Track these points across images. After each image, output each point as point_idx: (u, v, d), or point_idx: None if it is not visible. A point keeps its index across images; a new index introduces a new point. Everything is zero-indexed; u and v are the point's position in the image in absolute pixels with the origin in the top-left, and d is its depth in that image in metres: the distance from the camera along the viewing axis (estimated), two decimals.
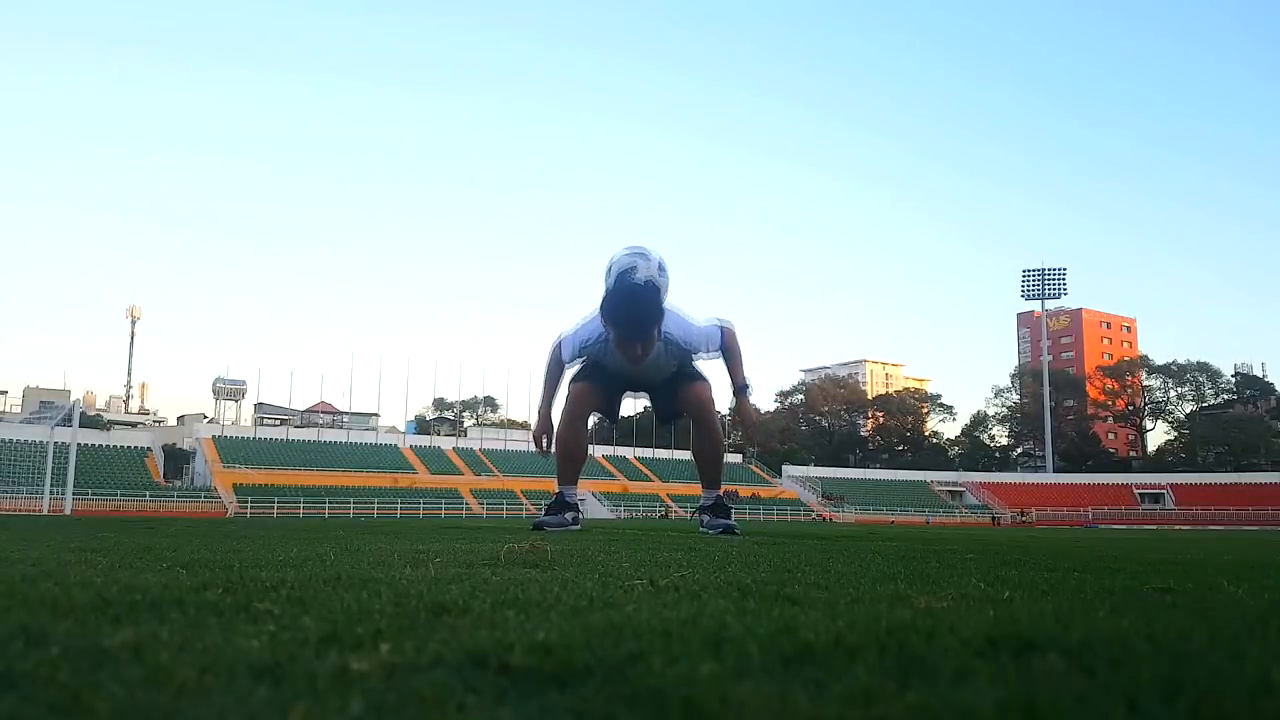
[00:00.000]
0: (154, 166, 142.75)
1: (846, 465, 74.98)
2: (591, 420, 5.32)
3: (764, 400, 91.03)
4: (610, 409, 5.23)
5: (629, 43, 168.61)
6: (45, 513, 24.26)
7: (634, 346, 4.61)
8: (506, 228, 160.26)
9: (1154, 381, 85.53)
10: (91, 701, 0.64)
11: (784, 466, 65.99)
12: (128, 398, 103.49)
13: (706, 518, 5.01)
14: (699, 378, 5.06)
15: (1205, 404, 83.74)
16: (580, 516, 5.17)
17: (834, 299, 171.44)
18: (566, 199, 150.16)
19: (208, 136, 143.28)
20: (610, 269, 4.79)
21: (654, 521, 17.03)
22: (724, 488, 5.31)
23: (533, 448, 5.19)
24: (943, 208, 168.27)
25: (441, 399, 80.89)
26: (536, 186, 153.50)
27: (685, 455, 60.90)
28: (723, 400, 5.50)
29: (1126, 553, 3.70)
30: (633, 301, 4.57)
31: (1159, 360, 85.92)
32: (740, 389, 5.07)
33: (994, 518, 57.23)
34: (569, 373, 5.11)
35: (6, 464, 35.56)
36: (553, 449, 5.04)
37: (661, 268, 4.73)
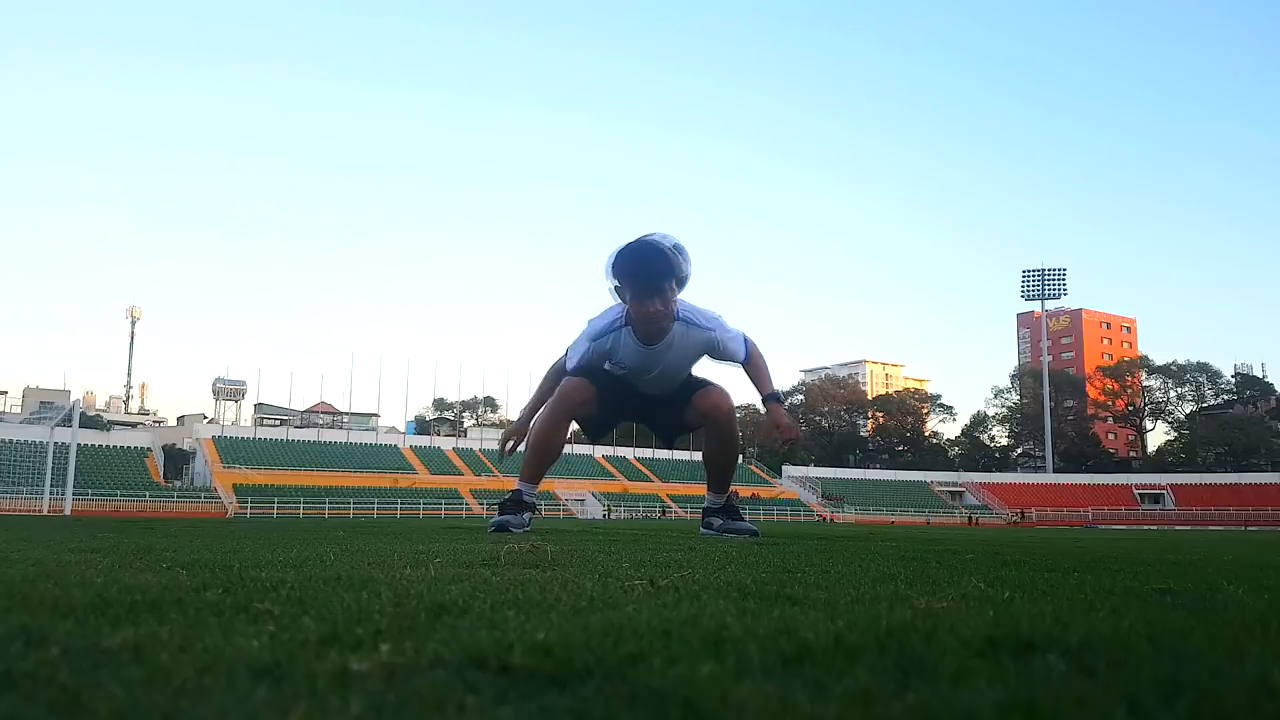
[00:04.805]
0: (154, 166, 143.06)
1: (846, 465, 75.00)
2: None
3: None
4: (601, 423, 4.71)
5: (631, 43, 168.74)
6: (45, 513, 24.26)
7: (651, 300, 4.23)
8: (507, 227, 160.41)
9: (1154, 382, 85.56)
10: (91, 701, 0.64)
11: (784, 467, 66.00)
12: (128, 398, 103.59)
13: (718, 521, 4.70)
14: (716, 385, 4.68)
15: (1205, 404, 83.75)
16: (533, 516, 4.74)
17: (834, 299, 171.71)
18: (567, 198, 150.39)
19: (208, 136, 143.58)
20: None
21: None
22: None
23: (500, 447, 4.71)
24: (943, 208, 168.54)
25: (441, 399, 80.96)
26: (537, 186, 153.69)
27: (685, 455, 61.01)
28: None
29: (1126, 553, 3.70)
30: (644, 244, 4.25)
31: (1159, 360, 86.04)
32: (776, 396, 4.67)
33: (970, 516, 56.90)
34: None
35: (6, 464, 35.57)
36: (518, 449, 4.63)
37: (678, 247, 4.35)
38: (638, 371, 4.52)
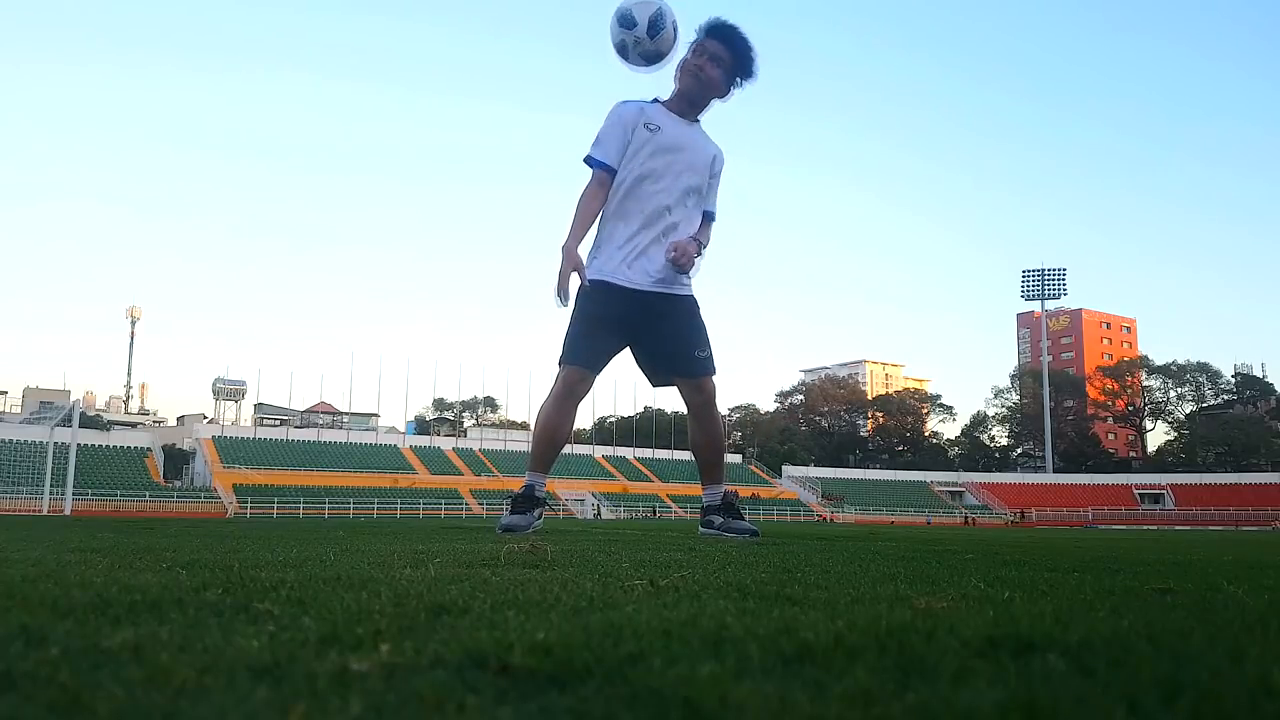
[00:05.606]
0: (155, 166, 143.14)
1: (846, 465, 75.03)
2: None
3: (764, 400, 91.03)
4: (601, 363, 4.47)
5: None
6: (45, 513, 24.26)
7: (715, 68, 4.34)
8: (507, 227, 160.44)
9: (1154, 382, 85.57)
10: (91, 701, 0.64)
11: (784, 467, 66.02)
12: (128, 398, 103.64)
13: (718, 519, 4.49)
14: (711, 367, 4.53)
15: (1205, 404, 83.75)
16: (544, 512, 4.61)
17: (834, 299, 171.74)
18: (567, 198, 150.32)
19: (209, 136, 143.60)
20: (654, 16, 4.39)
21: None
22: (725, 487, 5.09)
23: (561, 287, 4.15)
24: (943, 208, 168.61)
25: (441, 399, 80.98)
26: (537, 185, 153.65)
27: (685, 455, 61.05)
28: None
29: (1126, 553, 3.70)
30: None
31: (1159, 360, 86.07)
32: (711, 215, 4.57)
33: (967, 517, 56.91)
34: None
35: (6, 464, 35.55)
36: (572, 293, 4.24)
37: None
38: (670, 146, 4.35)
